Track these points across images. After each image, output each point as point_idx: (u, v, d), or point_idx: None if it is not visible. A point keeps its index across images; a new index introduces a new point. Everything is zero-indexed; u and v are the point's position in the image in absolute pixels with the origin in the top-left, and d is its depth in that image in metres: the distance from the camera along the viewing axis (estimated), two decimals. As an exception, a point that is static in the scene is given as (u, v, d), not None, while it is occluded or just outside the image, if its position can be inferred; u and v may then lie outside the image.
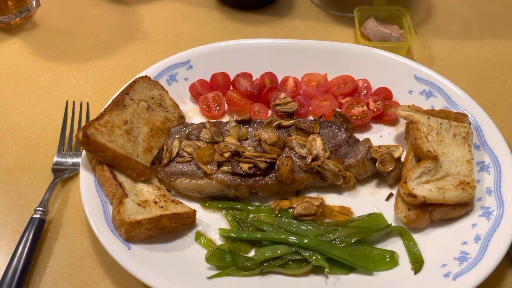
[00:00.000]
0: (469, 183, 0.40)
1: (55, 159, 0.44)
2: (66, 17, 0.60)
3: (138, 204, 0.38)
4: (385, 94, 0.49)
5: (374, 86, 0.50)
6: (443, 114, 0.44)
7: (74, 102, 0.48)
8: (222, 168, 0.41)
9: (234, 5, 0.62)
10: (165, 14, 0.61)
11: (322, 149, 0.42)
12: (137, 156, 0.41)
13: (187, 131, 0.44)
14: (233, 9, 0.61)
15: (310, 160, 0.41)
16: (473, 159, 0.42)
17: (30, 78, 0.53)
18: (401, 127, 0.48)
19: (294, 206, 0.41)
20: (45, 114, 0.49)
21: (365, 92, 0.50)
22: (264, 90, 0.49)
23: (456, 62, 0.55)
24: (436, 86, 0.48)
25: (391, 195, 0.43)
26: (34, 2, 0.60)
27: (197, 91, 0.49)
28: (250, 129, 0.44)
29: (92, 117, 0.46)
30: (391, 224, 0.40)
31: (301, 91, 0.50)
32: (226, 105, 0.49)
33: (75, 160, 0.44)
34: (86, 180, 0.40)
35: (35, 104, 0.50)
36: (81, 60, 0.55)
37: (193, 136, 0.44)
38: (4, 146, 0.47)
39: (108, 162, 0.40)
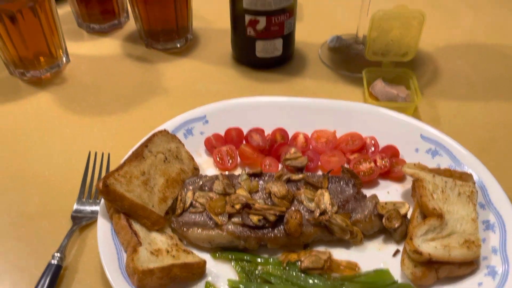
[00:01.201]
0: (474, 241, 0.40)
1: (75, 206, 0.46)
2: (93, 73, 0.64)
3: (151, 252, 0.40)
4: (392, 152, 0.51)
5: (382, 144, 0.52)
6: (448, 173, 0.46)
7: (96, 152, 0.51)
8: (232, 219, 0.43)
9: (249, 65, 0.65)
10: (185, 72, 0.65)
11: (330, 204, 0.43)
12: (153, 206, 0.43)
13: (201, 182, 0.46)
14: (248, 68, 0.65)
15: (318, 214, 0.43)
16: (478, 217, 0.42)
17: (56, 129, 0.56)
18: (408, 184, 0.49)
19: (302, 259, 0.41)
20: (68, 163, 0.52)
21: (372, 149, 0.52)
22: (275, 145, 0.51)
23: (461, 122, 0.57)
24: (441, 145, 0.50)
25: (397, 251, 0.43)
26: (64, 59, 0.65)
27: (212, 145, 0.52)
28: (261, 182, 0.46)
29: (112, 166, 0.49)
30: (397, 280, 0.41)
31: (310, 146, 0.52)
32: (238, 159, 0.51)
33: (94, 208, 0.46)
34: (103, 228, 0.42)
35: (59, 154, 0.53)
36: (104, 113, 0.58)
37: (206, 188, 0.46)
38: (28, 193, 0.49)
39: (125, 211, 0.42)
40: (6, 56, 0.62)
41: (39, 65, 0.63)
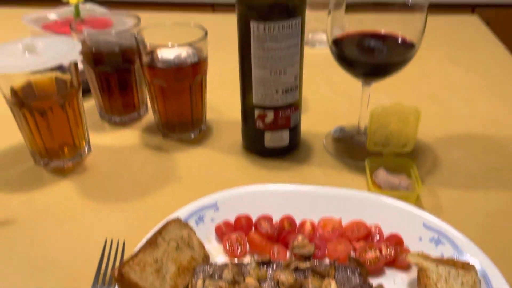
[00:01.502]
0: (480, 333, 0.41)
1: (89, 293, 0.48)
2: (112, 162, 0.69)
3: None
4: (396, 240, 0.53)
5: (386, 232, 0.54)
6: (452, 262, 0.47)
7: (112, 240, 0.53)
8: (241, 308, 0.44)
9: (258, 154, 0.70)
10: (198, 160, 0.69)
11: (336, 293, 0.44)
12: (164, 294, 0.44)
13: (211, 270, 0.48)
14: (258, 156, 0.69)
15: (325, 303, 0.44)
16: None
17: (75, 217, 0.59)
18: (413, 273, 0.50)
19: None
20: (85, 250, 0.54)
21: (377, 237, 0.53)
22: (283, 233, 0.53)
23: (463, 211, 0.59)
24: (443, 234, 0.52)
25: None
26: (86, 149, 0.70)
27: (222, 232, 0.54)
28: (269, 270, 0.48)
29: (127, 252, 0.51)
30: None
31: (317, 234, 0.54)
32: (248, 246, 0.53)
33: (107, 295, 0.48)
34: (115, 316, 0.43)
35: (77, 241, 0.56)
36: (121, 201, 0.61)
37: (216, 276, 0.47)
38: (45, 279, 0.51)
39: (137, 299, 0.43)
40: (33, 147, 0.67)
41: (62, 155, 0.67)
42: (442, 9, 1.74)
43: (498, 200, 0.61)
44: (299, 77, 0.64)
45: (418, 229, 0.53)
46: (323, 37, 1.06)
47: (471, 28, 1.14)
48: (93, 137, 0.73)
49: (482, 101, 0.83)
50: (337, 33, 0.62)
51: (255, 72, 0.62)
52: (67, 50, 0.61)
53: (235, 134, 0.74)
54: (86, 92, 0.80)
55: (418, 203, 0.60)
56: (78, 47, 0.62)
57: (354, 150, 0.70)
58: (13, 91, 0.62)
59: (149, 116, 0.80)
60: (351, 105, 0.82)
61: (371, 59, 0.61)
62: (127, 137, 0.75)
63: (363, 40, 0.61)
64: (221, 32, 0.89)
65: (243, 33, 0.60)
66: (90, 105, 0.81)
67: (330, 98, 0.86)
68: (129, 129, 0.77)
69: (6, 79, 0.61)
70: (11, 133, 0.74)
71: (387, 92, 0.83)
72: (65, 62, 0.60)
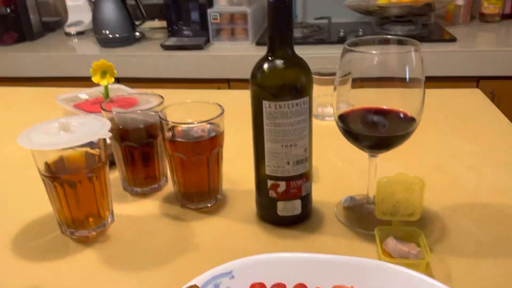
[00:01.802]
0: None
1: None
2: (133, 231, 0.72)
3: None
4: (406, 308, 0.54)
5: (396, 300, 0.55)
6: (460, 329, 0.48)
7: (132, 306, 0.56)
8: None
9: (272, 222, 0.73)
10: (214, 229, 0.72)
11: None
12: None
13: (227, 337, 0.50)
14: (271, 225, 0.72)
15: None
16: None
17: (97, 285, 0.62)
18: None
19: None
20: (105, 317, 0.56)
21: (388, 305, 0.55)
22: (296, 300, 0.55)
23: (472, 278, 0.60)
24: (453, 301, 0.53)
25: None
26: (110, 219, 0.74)
27: (237, 300, 0.56)
28: (283, 337, 0.49)
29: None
30: None
31: (329, 302, 0.56)
32: (262, 314, 0.55)
33: None
34: None
35: (98, 307, 0.58)
36: (141, 269, 0.64)
37: None
38: None
39: None
40: (61, 217, 0.71)
41: (88, 225, 0.72)
42: (448, 82, 1.82)
43: (507, 267, 0.62)
44: (308, 149, 0.68)
45: (428, 297, 0.54)
46: (331, 110, 1.12)
47: (474, 101, 1.20)
48: (116, 207, 0.78)
49: (487, 170, 0.86)
50: (343, 108, 0.68)
51: (268, 145, 0.67)
52: (98, 128, 0.67)
53: (249, 204, 0.77)
54: (111, 165, 0.86)
55: (428, 271, 0.62)
56: (108, 125, 0.69)
57: (364, 219, 0.73)
58: (47, 165, 0.68)
59: (169, 187, 0.85)
60: (360, 175, 0.85)
61: (375, 133, 0.66)
62: (147, 207, 0.79)
63: (366, 115, 0.67)
64: (236, 107, 0.96)
65: (256, 110, 0.66)
66: (114, 176, 0.87)
67: (339, 168, 0.90)
68: (150, 199, 0.82)
69: (42, 154, 0.67)
70: (40, 204, 0.79)
71: (394, 162, 0.87)
72: (96, 139, 0.66)
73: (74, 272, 0.64)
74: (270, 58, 0.65)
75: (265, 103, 0.65)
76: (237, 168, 0.89)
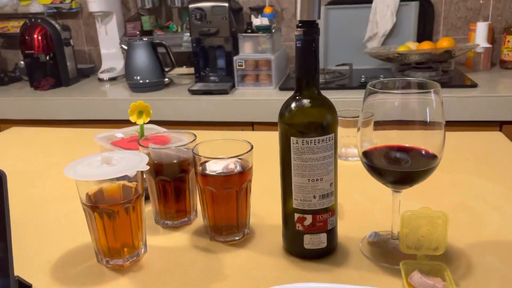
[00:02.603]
0: None
1: None
2: (165, 261, 0.75)
3: None
4: (433, 339, 0.55)
5: (423, 331, 0.56)
6: None
7: (166, 330, 0.58)
8: None
9: (298, 255, 0.75)
10: (242, 261, 0.75)
11: None
12: None
13: None
14: (297, 258, 0.74)
15: None
16: None
17: (130, 310, 0.64)
18: None
19: None
20: None
21: (415, 335, 0.56)
22: (323, 329, 0.57)
23: (500, 313, 0.61)
24: (480, 333, 0.53)
25: None
26: (143, 250, 0.77)
27: (266, 327, 0.58)
28: None
29: None
30: None
31: (356, 331, 0.57)
32: None
33: None
34: None
35: (132, 331, 0.60)
36: (172, 297, 0.67)
37: None
38: None
39: None
40: (98, 246, 0.75)
41: (122, 255, 0.75)
42: (471, 126, 1.84)
43: (535, 303, 0.62)
44: (334, 183, 0.72)
45: (455, 328, 0.55)
46: (354, 151, 1.16)
47: (496, 143, 1.22)
48: (149, 238, 0.81)
49: (511, 211, 0.87)
50: (366, 147, 0.71)
51: (295, 180, 0.71)
52: (136, 162, 0.73)
53: (276, 238, 0.80)
54: (145, 199, 0.91)
55: (454, 304, 0.62)
56: (146, 159, 0.74)
57: (389, 254, 0.74)
58: (88, 196, 0.73)
59: (198, 221, 0.88)
60: (384, 212, 0.87)
61: (398, 168, 0.69)
62: (178, 240, 0.83)
63: (390, 152, 0.70)
64: (260, 147, 1.00)
65: (284, 146, 0.70)
66: (146, 210, 0.91)
67: (363, 205, 0.92)
68: (180, 232, 0.85)
69: (85, 185, 0.72)
70: (78, 235, 0.84)
71: (417, 200, 0.89)
72: (136, 171, 0.71)
73: (109, 298, 0.67)
74: (297, 97, 0.70)
75: (293, 139, 0.69)
76: (264, 204, 0.92)
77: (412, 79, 0.70)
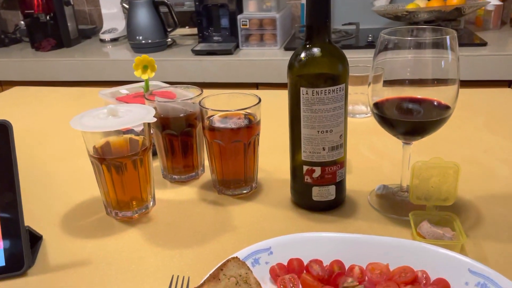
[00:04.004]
0: None
1: (157, 323, 0.53)
2: (174, 214, 0.76)
3: None
4: (443, 285, 0.55)
5: (432, 277, 0.56)
6: (498, 302, 0.49)
7: (178, 276, 0.59)
8: (298, 337, 0.47)
9: (306, 208, 0.75)
10: (250, 213, 0.75)
11: (387, 326, 0.47)
12: (227, 322, 0.49)
13: (268, 305, 0.52)
14: (306, 210, 0.74)
15: (376, 336, 0.46)
16: None
17: (142, 259, 0.65)
18: (461, 315, 0.52)
19: None
20: (151, 287, 0.60)
21: (424, 282, 0.56)
22: (333, 275, 0.57)
23: (508, 260, 0.61)
24: (490, 279, 0.54)
25: None
26: (151, 202, 0.77)
27: (276, 273, 0.58)
28: (322, 306, 0.51)
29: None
30: None
31: (366, 278, 0.57)
32: (300, 286, 0.57)
33: (173, 325, 0.53)
34: None
35: (144, 279, 0.61)
36: (182, 247, 0.68)
37: (272, 310, 0.51)
38: (115, 312, 0.56)
39: (203, 324, 0.48)
40: (107, 199, 0.75)
41: (131, 207, 0.75)
42: (479, 85, 1.81)
43: (544, 252, 0.62)
44: (343, 136, 0.71)
45: (464, 275, 0.55)
46: (362, 108, 1.14)
47: (506, 100, 1.20)
48: (157, 192, 0.82)
49: (521, 163, 0.86)
50: (377, 99, 0.70)
51: (304, 132, 0.70)
52: (143, 114, 0.72)
53: (284, 191, 0.80)
54: (152, 155, 0.90)
55: (462, 253, 0.62)
56: (153, 111, 0.73)
57: (398, 206, 0.74)
58: (95, 149, 0.72)
59: (206, 176, 0.88)
60: (393, 167, 0.87)
61: (410, 118, 0.68)
62: (186, 193, 0.83)
63: (401, 103, 0.68)
64: (267, 104, 0.99)
65: (294, 97, 0.69)
66: (154, 166, 0.90)
67: (372, 160, 0.92)
68: (188, 186, 0.85)
69: (91, 137, 0.71)
70: (87, 189, 0.84)
71: (427, 154, 0.87)
72: (143, 124, 0.70)
73: (120, 248, 0.68)
74: (308, 46, 0.68)
75: (303, 90, 0.67)
76: (272, 160, 0.92)
77: (427, 26, 0.67)
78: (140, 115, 0.71)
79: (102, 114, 0.72)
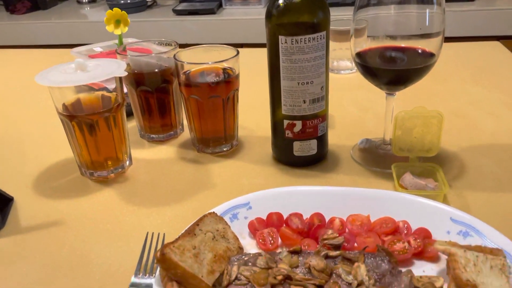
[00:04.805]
0: (511, 310, 0.41)
1: (132, 280, 0.51)
2: (151, 173, 0.73)
3: (200, 317, 0.43)
4: (424, 234, 0.54)
5: (414, 227, 0.55)
6: (479, 249, 0.48)
7: (153, 233, 0.57)
8: (275, 290, 0.46)
9: (288, 163, 0.73)
10: (231, 170, 0.73)
11: (366, 275, 0.46)
12: (202, 276, 0.47)
13: (245, 258, 0.50)
14: (287, 166, 0.73)
15: (355, 285, 0.45)
16: (513, 289, 0.44)
17: (117, 218, 0.63)
18: (442, 263, 0.51)
19: (342, 329, 0.43)
20: (127, 246, 0.58)
21: (405, 232, 0.55)
22: (313, 228, 0.56)
23: (491, 210, 0.60)
24: (471, 227, 0.53)
25: (437, 324, 0.44)
26: (128, 162, 0.75)
27: (255, 228, 0.57)
28: (301, 258, 0.50)
29: (164, 249, 0.54)
30: None
31: (346, 229, 0.56)
32: (280, 240, 0.56)
33: (148, 281, 0.51)
34: (156, 297, 0.46)
35: (119, 238, 0.59)
36: (160, 204, 0.66)
37: (250, 263, 0.50)
38: (90, 271, 0.54)
39: (177, 279, 0.46)
40: (81, 160, 0.72)
41: (106, 167, 0.73)
42: (468, 41, 1.77)
43: (527, 200, 0.61)
44: (325, 88, 0.68)
45: (446, 223, 0.54)
46: (347, 63, 1.11)
47: (494, 53, 1.17)
48: (134, 152, 0.79)
49: (506, 115, 0.85)
50: (360, 49, 0.67)
51: (284, 84, 0.67)
52: (114, 68, 0.68)
53: (265, 148, 0.78)
54: (128, 115, 0.87)
55: (445, 203, 0.61)
56: (124, 65, 0.69)
57: (381, 159, 0.72)
58: (64, 106, 0.69)
59: (185, 135, 0.85)
60: (376, 120, 0.85)
61: (393, 67, 0.65)
62: (164, 152, 0.80)
63: (384, 51, 0.65)
64: (248, 64, 0.96)
65: (272, 47, 0.65)
66: (131, 126, 0.87)
67: (355, 115, 0.89)
68: (166, 145, 0.82)
69: (60, 93, 0.68)
70: (59, 150, 0.81)
71: (411, 107, 0.85)
72: (115, 76, 0.66)
73: (95, 208, 0.66)
74: (285, -9, 0.64)
75: (281, 39, 0.64)
76: (252, 118, 0.89)
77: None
78: (110, 69, 0.67)
79: (70, 69, 0.68)
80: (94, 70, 0.67)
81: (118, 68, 0.68)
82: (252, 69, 0.94)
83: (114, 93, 0.71)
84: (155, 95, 0.80)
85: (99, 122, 0.69)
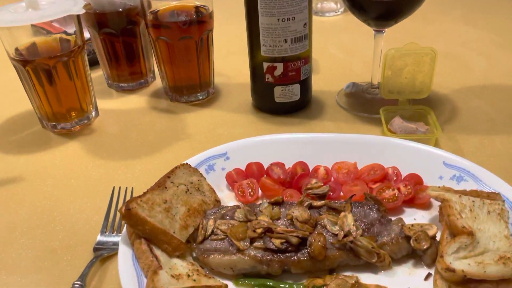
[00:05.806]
0: (510, 257, 0.38)
1: (98, 238, 0.47)
2: (120, 124, 0.67)
3: (172, 276, 0.39)
4: (415, 180, 0.50)
5: (404, 173, 0.51)
6: (475, 193, 0.44)
7: (120, 187, 0.52)
8: (254, 244, 0.42)
9: (269, 111, 0.68)
10: (207, 119, 0.68)
11: (353, 225, 0.42)
12: (174, 232, 0.43)
13: (223, 212, 0.46)
14: (268, 114, 0.67)
15: (342, 236, 0.42)
16: (511, 234, 0.40)
17: (83, 173, 0.58)
18: (434, 211, 0.47)
19: (328, 283, 0.39)
20: (92, 202, 0.53)
21: (395, 178, 0.51)
22: (296, 177, 0.51)
23: (485, 153, 0.56)
24: (466, 171, 0.49)
25: (429, 275, 0.41)
26: (94, 113, 0.69)
27: (233, 179, 0.52)
28: (283, 209, 0.46)
29: (135, 204, 0.49)
30: (433, 307, 0.38)
31: (332, 178, 0.52)
32: (260, 191, 0.51)
33: (116, 240, 0.46)
34: (124, 255, 0.41)
35: (84, 194, 0.54)
36: (129, 157, 0.60)
37: (227, 217, 0.45)
38: (52, 230, 0.50)
39: (146, 236, 0.41)
40: (41, 112, 0.66)
41: (70, 119, 0.66)
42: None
43: (522, 142, 0.58)
44: (308, 25, 0.61)
45: (438, 168, 0.50)
46: (331, 5, 1.03)
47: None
48: (101, 103, 0.72)
49: (498, 55, 0.80)
50: (346, -19, 0.60)
51: (263, 21, 0.60)
52: (70, 6, 0.60)
53: (245, 96, 0.72)
54: (94, 64, 0.80)
55: (437, 147, 0.57)
56: (82, 2, 0.61)
57: (368, 103, 0.68)
58: (17, 50, 0.61)
59: (156, 83, 0.79)
60: (363, 64, 0.79)
61: (382, -1, 0.59)
62: (134, 102, 0.74)
63: (373, -18, 0.59)
64: (224, 1, 0.88)
65: (248, -21, 0.58)
66: (97, 75, 0.80)
67: (341, 59, 0.84)
68: (136, 95, 0.76)
69: (11, 36, 0.60)
70: (18, 103, 0.73)
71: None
72: (70, 14, 0.58)
73: (57, 162, 0.60)
74: None
75: (258, -31, 0.57)
76: (231, 64, 0.83)
77: None
78: (65, 7, 0.60)
79: (20, 8, 0.60)
80: (48, 8, 0.59)
81: (74, 5, 0.60)
82: (228, 7, 0.87)
83: (74, 36, 0.64)
84: (120, 38, 0.72)
85: (57, 67, 0.62)
